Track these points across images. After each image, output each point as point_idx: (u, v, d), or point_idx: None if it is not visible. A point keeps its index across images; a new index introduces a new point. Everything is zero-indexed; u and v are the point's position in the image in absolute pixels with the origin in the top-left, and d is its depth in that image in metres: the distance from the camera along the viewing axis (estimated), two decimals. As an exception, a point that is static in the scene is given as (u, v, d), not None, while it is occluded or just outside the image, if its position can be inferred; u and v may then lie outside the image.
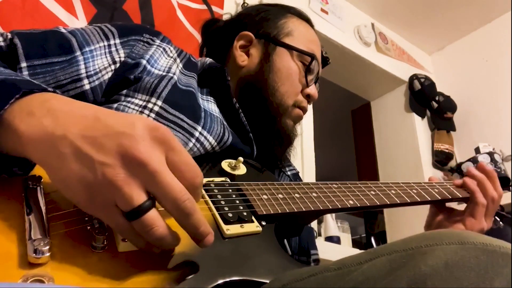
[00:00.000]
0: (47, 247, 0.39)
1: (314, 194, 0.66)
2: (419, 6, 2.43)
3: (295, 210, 0.61)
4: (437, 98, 2.45)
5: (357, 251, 1.80)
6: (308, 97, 0.86)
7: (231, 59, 0.87)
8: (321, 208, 0.64)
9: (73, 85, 0.63)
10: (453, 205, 0.91)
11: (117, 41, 0.70)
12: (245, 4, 1.70)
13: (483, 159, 2.02)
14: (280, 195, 0.62)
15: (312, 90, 0.86)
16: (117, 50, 0.69)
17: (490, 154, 2.09)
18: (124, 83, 0.67)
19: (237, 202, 0.58)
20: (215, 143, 0.69)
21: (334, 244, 1.77)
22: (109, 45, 0.69)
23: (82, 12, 1.31)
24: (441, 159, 2.35)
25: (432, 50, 2.79)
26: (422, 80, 2.46)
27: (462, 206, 0.88)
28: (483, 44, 2.51)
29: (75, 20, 1.28)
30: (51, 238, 0.41)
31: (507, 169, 2.08)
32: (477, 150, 2.16)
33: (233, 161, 0.67)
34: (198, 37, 1.55)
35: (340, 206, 0.66)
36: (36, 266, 0.39)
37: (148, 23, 1.44)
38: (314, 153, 1.85)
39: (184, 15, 1.57)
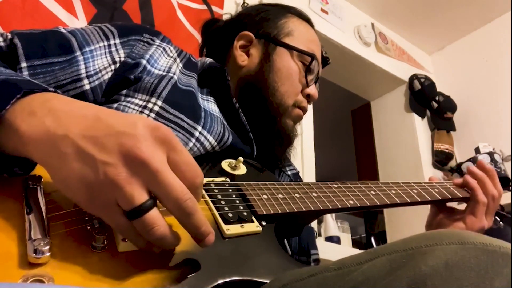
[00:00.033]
0: (47, 247, 0.39)
1: (314, 194, 0.66)
2: (419, 6, 2.43)
3: (295, 210, 0.61)
4: (437, 98, 2.45)
5: (357, 251, 1.80)
6: (308, 97, 0.86)
7: (231, 59, 0.87)
8: (321, 208, 0.64)
9: (73, 85, 0.63)
10: (454, 205, 0.91)
11: (117, 41, 0.70)
12: (245, 4, 1.70)
13: (483, 159, 2.02)
14: (280, 195, 0.62)
15: (312, 90, 0.86)
16: (117, 50, 0.69)
17: (490, 154, 2.09)
18: (124, 83, 0.67)
19: (237, 202, 0.58)
20: (215, 143, 0.69)
21: (334, 244, 1.77)
22: (109, 45, 0.69)
23: (82, 12, 1.31)
24: (441, 159, 2.35)
25: (432, 50, 2.79)
26: (422, 80, 2.46)
27: (462, 206, 0.88)
28: (483, 44, 2.51)
29: (75, 20, 1.28)
30: (51, 238, 0.41)
31: (507, 169, 2.08)
32: (477, 150, 2.17)
33: (233, 161, 0.67)
34: (198, 37, 1.55)
35: (340, 206, 0.66)
36: (36, 266, 0.39)
37: (148, 23, 1.44)
38: (314, 153, 1.85)
39: (184, 15, 1.57)
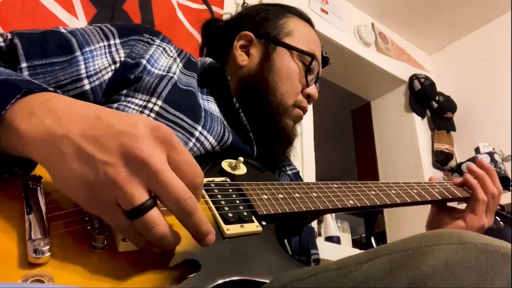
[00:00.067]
0: (47, 247, 0.39)
1: (315, 194, 0.66)
2: (419, 6, 2.43)
3: (295, 210, 0.60)
4: (437, 98, 2.45)
5: (357, 251, 1.80)
6: (308, 97, 0.86)
7: (231, 59, 0.87)
8: (321, 208, 0.64)
9: (73, 85, 0.63)
10: (454, 204, 0.91)
11: (117, 41, 0.70)
12: (245, 4, 1.70)
13: (483, 159, 2.02)
14: (280, 195, 0.62)
15: (312, 90, 0.86)
16: (117, 50, 0.69)
17: (490, 154, 2.09)
18: (124, 83, 0.67)
19: (237, 202, 0.58)
20: (215, 143, 0.69)
21: (334, 244, 1.77)
22: (109, 45, 0.69)
23: (82, 12, 1.31)
24: (441, 159, 2.35)
25: (432, 50, 2.79)
26: (422, 80, 2.46)
27: (463, 206, 0.88)
28: (483, 44, 2.51)
29: (75, 20, 1.28)
30: (51, 238, 0.41)
31: (507, 169, 2.08)
32: (477, 150, 2.17)
33: (233, 161, 0.67)
34: (198, 37, 1.55)
35: (340, 206, 0.66)
36: (36, 266, 0.39)
37: (148, 23, 1.44)
38: (314, 153, 1.85)
39: (184, 15, 1.57)
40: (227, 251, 0.50)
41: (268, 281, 0.47)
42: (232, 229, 0.52)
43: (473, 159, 2.05)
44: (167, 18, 1.52)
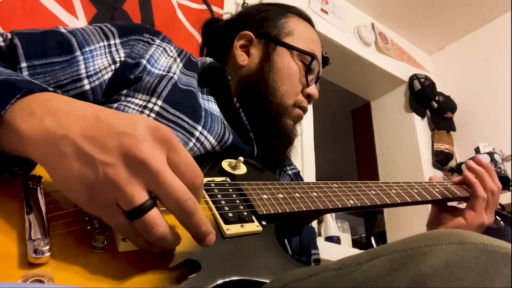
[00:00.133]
0: (47, 247, 0.39)
1: (315, 194, 0.66)
2: (419, 6, 2.43)
3: (296, 209, 0.60)
4: (437, 98, 2.45)
5: (357, 251, 1.80)
6: (308, 97, 0.86)
7: (232, 59, 0.87)
8: (322, 207, 0.64)
9: (73, 85, 0.63)
10: (454, 204, 0.91)
11: (117, 41, 0.70)
12: (245, 4, 1.70)
13: (483, 159, 2.02)
14: (281, 195, 0.62)
15: (313, 90, 0.86)
16: (117, 50, 0.69)
17: (490, 154, 2.09)
18: (124, 83, 0.67)
19: (238, 202, 0.58)
20: (215, 143, 0.69)
21: (334, 244, 1.77)
22: (109, 45, 0.69)
23: (82, 12, 1.31)
24: (441, 159, 2.35)
25: (432, 50, 2.79)
26: (422, 80, 2.46)
27: (463, 206, 0.88)
28: (483, 44, 2.51)
29: (75, 20, 1.28)
30: (51, 238, 0.41)
31: (507, 169, 2.08)
32: (477, 150, 2.17)
33: (234, 160, 0.67)
34: (198, 37, 1.55)
35: (340, 206, 0.66)
36: (36, 266, 0.39)
37: (148, 23, 1.44)
38: (314, 153, 1.85)
39: (184, 15, 1.57)
40: (227, 251, 0.50)
41: (268, 281, 0.47)
42: (232, 229, 0.52)
43: (473, 159, 2.05)
44: (167, 18, 1.52)
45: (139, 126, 0.40)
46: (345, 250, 1.78)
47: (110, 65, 0.67)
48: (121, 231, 0.42)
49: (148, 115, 0.64)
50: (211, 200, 0.56)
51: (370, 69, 2.43)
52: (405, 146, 2.42)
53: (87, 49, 0.66)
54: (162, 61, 0.73)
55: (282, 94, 0.82)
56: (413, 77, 2.48)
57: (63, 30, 0.67)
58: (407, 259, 0.37)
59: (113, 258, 0.43)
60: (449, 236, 0.38)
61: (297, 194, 0.64)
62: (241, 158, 0.67)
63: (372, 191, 0.73)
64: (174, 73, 0.72)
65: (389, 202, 0.72)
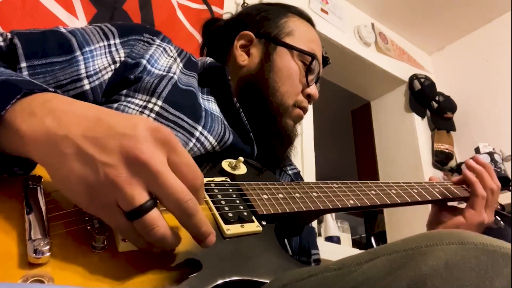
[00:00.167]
0: (47, 247, 0.39)
1: (315, 194, 0.66)
2: (419, 6, 2.43)
3: (295, 210, 0.60)
4: (437, 98, 2.45)
5: (357, 251, 1.80)
6: (308, 97, 0.86)
7: (232, 59, 0.87)
8: (322, 207, 0.64)
9: (73, 85, 0.63)
10: (454, 204, 0.91)
11: (117, 41, 0.70)
12: (245, 4, 1.70)
13: (483, 159, 2.02)
14: (281, 195, 0.62)
15: (313, 90, 0.86)
16: (117, 50, 0.69)
17: (490, 154, 2.09)
18: (124, 83, 0.67)
19: (238, 202, 0.58)
20: (216, 143, 0.69)
21: (334, 244, 1.77)
22: (109, 45, 0.69)
23: (82, 12, 1.31)
24: (441, 159, 2.35)
25: (432, 50, 2.79)
26: (422, 80, 2.46)
27: (463, 206, 0.88)
28: (483, 44, 2.51)
29: (75, 20, 1.28)
30: (51, 238, 0.41)
31: (507, 169, 2.08)
32: (477, 150, 2.17)
33: (234, 160, 0.67)
34: (198, 37, 1.55)
35: (340, 206, 0.66)
36: (36, 266, 0.39)
37: (148, 23, 1.44)
38: (314, 153, 1.85)
39: (184, 15, 1.57)
40: (227, 251, 0.50)
41: (268, 281, 0.47)
42: (232, 229, 0.52)
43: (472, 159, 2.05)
44: (167, 18, 1.52)
45: (140, 127, 0.40)
46: (345, 250, 1.78)
47: (110, 65, 0.67)
48: (121, 231, 0.42)
49: (148, 115, 0.64)
50: (211, 200, 0.56)
51: (370, 69, 2.43)
52: (405, 146, 2.42)
53: (87, 49, 0.66)
54: (162, 61, 0.73)
55: (282, 94, 0.82)
56: (413, 77, 2.48)
57: (63, 30, 0.67)
58: (407, 259, 0.37)
59: (113, 258, 0.43)
60: (449, 236, 0.38)
61: (297, 194, 0.64)
62: (241, 158, 0.67)
63: (372, 191, 0.73)
64: (174, 73, 0.72)
65: (389, 202, 0.72)
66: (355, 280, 0.39)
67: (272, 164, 0.82)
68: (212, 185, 0.59)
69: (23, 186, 0.45)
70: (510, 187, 1.98)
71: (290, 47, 0.85)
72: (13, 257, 0.39)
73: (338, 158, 3.64)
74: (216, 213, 0.54)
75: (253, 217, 0.56)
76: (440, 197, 0.83)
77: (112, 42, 0.69)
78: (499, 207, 0.94)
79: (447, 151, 2.36)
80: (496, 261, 0.35)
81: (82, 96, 0.63)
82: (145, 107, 0.65)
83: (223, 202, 0.56)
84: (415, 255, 0.37)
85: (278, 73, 0.82)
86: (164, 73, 0.71)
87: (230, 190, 0.60)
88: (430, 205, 0.92)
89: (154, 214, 0.39)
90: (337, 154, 3.64)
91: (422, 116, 2.48)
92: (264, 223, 0.57)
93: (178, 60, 0.77)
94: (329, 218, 1.85)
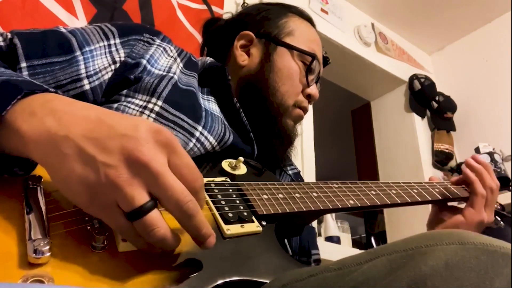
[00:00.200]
0: (47, 247, 0.39)
1: (315, 194, 0.66)
2: (419, 6, 2.43)
3: (296, 210, 0.60)
4: (437, 98, 2.45)
5: (357, 251, 1.80)
6: (309, 97, 0.86)
7: (232, 59, 0.87)
8: (322, 208, 0.64)
9: (73, 85, 0.63)
10: (455, 204, 0.91)
11: (117, 40, 0.70)
12: (245, 4, 1.70)
13: (483, 159, 2.02)
14: (281, 195, 0.62)
15: (313, 90, 0.86)
16: (117, 50, 0.69)
17: (490, 154, 2.09)
18: (124, 83, 0.67)
19: (238, 202, 0.58)
20: (216, 143, 0.69)
21: (334, 244, 1.77)
22: (109, 45, 0.69)
23: (82, 12, 1.31)
24: (441, 159, 2.35)
25: (432, 50, 2.79)
26: (422, 80, 2.46)
27: (463, 206, 0.88)
28: (483, 44, 2.51)
29: (75, 20, 1.28)
30: (51, 238, 0.41)
31: (507, 169, 2.08)
32: (477, 150, 2.17)
33: (234, 161, 0.67)
34: (198, 37, 1.55)
35: (340, 206, 0.66)
36: (36, 266, 0.39)
37: (148, 23, 1.44)
38: (314, 153, 1.85)
39: (184, 15, 1.57)
40: (227, 251, 0.50)
41: (268, 281, 0.47)
42: (232, 229, 0.52)
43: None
44: (167, 18, 1.52)
45: (142, 128, 0.40)
46: (345, 250, 1.78)
47: (110, 65, 0.67)
48: (121, 232, 0.42)
49: (148, 116, 0.64)
50: (211, 200, 0.56)
51: (370, 69, 2.43)
52: (405, 146, 2.42)
53: (87, 49, 0.66)
54: (162, 61, 0.73)
55: (283, 94, 0.82)
56: (413, 77, 2.48)
57: (63, 30, 0.66)
58: (407, 259, 0.37)
59: (113, 258, 0.43)
60: (449, 236, 0.38)
61: (297, 194, 0.64)
62: (241, 158, 0.67)
63: (372, 191, 0.73)
64: (174, 73, 0.72)
65: (389, 202, 0.72)
66: (355, 280, 0.39)
67: (272, 164, 0.82)
68: (212, 185, 0.59)
69: (23, 186, 0.45)
70: (510, 187, 1.98)
71: (290, 47, 0.85)
72: (13, 257, 0.39)
73: (338, 158, 3.64)
74: (216, 213, 0.54)
75: (253, 217, 0.56)
76: (440, 197, 0.83)
77: (112, 42, 0.69)
78: (499, 207, 0.94)
79: (447, 151, 2.36)
80: (496, 261, 0.35)
81: (82, 96, 0.63)
82: (145, 107, 0.65)
83: (223, 202, 0.56)
84: (415, 255, 0.37)
85: (278, 73, 0.82)
86: (164, 73, 0.70)
87: (230, 190, 0.60)
88: (430, 205, 0.92)
89: (154, 215, 0.39)
90: (337, 154, 3.64)
91: (422, 116, 2.48)
92: (264, 223, 0.57)
93: (178, 60, 0.77)
94: (329, 218, 1.85)
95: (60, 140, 0.39)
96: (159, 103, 0.65)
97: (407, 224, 2.19)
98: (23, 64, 0.59)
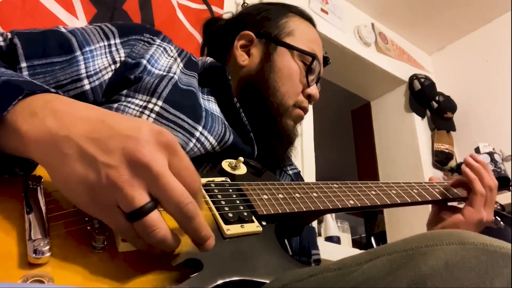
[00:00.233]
0: (47, 247, 0.39)
1: (315, 194, 0.66)
2: (419, 6, 2.43)
3: (296, 210, 0.60)
4: (437, 98, 2.45)
5: (357, 251, 1.80)
6: (309, 97, 0.86)
7: (232, 59, 0.87)
8: (322, 208, 0.64)
9: (73, 85, 0.63)
10: (455, 204, 0.91)
11: (118, 40, 0.70)
12: (245, 4, 1.70)
13: (483, 159, 2.02)
14: (281, 195, 0.62)
15: (313, 90, 0.86)
16: (117, 50, 0.69)
17: (490, 154, 2.09)
18: (124, 83, 0.67)
19: (238, 202, 0.58)
20: (216, 143, 0.69)
21: (334, 244, 1.77)
22: (109, 45, 0.69)
23: (82, 12, 1.31)
24: (441, 159, 2.35)
25: (432, 50, 2.79)
26: (422, 80, 2.46)
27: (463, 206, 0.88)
28: (483, 44, 2.51)
29: (75, 20, 1.28)
30: (51, 238, 0.41)
31: (507, 169, 2.08)
32: (477, 150, 2.17)
33: (234, 161, 0.67)
34: (198, 37, 1.55)
35: (340, 206, 0.66)
36: (36, 266, 0.39)
37: (148, 23, 1.44)
38: (314, 153, 1.85)
39: (184, 15, 1.57)
40: (227, 251, 0.50)
41: (268, 281, 0.47)
42: (232, 229, 0.52)
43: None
44: (167, 18, 1.52)
45: (143, 130, 0.40)
46: (345, 250, 1.78)
47: (110, 65, 0.67)
48: (121, 232, 0.42)
49: (148, 116, 0.64)
50: (211, 201, 0.56)
51: (370, 69, 2.43)
52: (405, 146, 2.42)
53: (87, 49, 0.66)
54: (163, 61, 0.73)
55: (283, 94, 0.82)
56: (413, 77, 2.48)
57: (63, 30, 0.66)
58: (407, 259, 0.38)
59: (113, 258, 0.43)
60: (449, 236, 0.38)
61: (297, 195, 0.64)
62: (241, 158, 0.67)
63: (372, 192, 0.73)
64: (175, 73, 0.72)
65: (389, 203, 0.72)
66: (355, 280, 0.39)
67: (272, 164, 0.82)
68: (212, 185, 0.59)
69: (23, 186, 0.45)
70: (510, 187, 1.98)
71: (290, 47, 0.85)
72: (13, 257, 0.39)
73: (338, 158, 3.64)
74: (216, 213, 0.54)
75: (253, 217, 0.56)
76: (440, 197, 0.83)
77: (112, 42, 0.69)
78: (499, 207, 0.94)
79: (447, 151, 2.36)
80: (496, 261, 0.35)
81: (82, 96, 0.63)
82: (145, 107, 0.65)
83: (223, 202, 0.56)
84: (415, 255, 0.37)
85: (278, 73, 0.82)
86: (165, 73, 0.70)
87: (230, 190, 0.60)
88: (430, 205, 0.92)
89: (155, 216, 0.39)
90: (337, 154, 3.64)
91: (422, 116, 2.48)
92: (264, 223, 0.57)
93: (179, 60, 0.77)
94: (329, 218, 1.85)
95: (61, 140, 0.39)
96: (159, 103, 0.65)
97: (407, 224, 2.19)
98: (23, 64, 0.59)
